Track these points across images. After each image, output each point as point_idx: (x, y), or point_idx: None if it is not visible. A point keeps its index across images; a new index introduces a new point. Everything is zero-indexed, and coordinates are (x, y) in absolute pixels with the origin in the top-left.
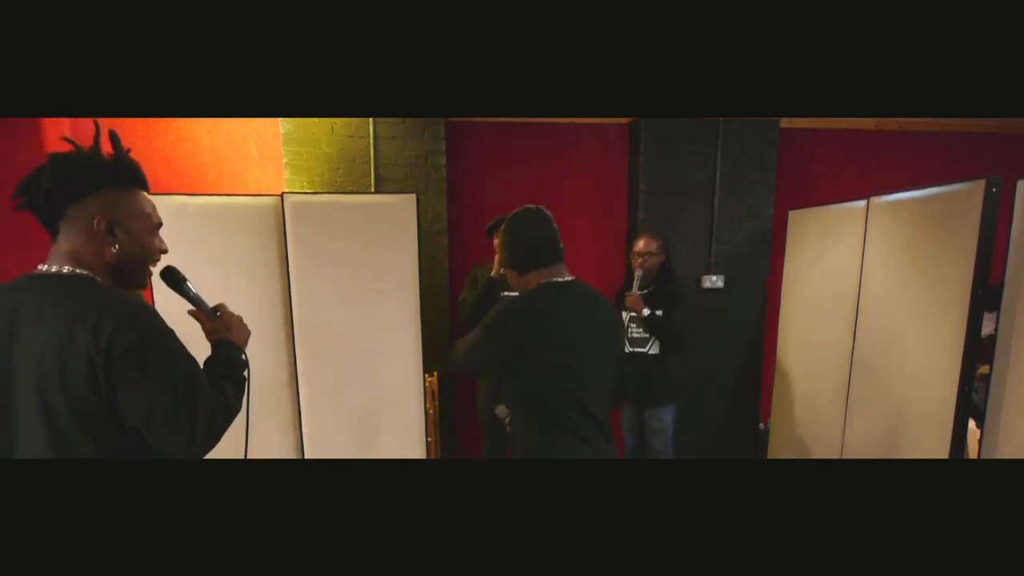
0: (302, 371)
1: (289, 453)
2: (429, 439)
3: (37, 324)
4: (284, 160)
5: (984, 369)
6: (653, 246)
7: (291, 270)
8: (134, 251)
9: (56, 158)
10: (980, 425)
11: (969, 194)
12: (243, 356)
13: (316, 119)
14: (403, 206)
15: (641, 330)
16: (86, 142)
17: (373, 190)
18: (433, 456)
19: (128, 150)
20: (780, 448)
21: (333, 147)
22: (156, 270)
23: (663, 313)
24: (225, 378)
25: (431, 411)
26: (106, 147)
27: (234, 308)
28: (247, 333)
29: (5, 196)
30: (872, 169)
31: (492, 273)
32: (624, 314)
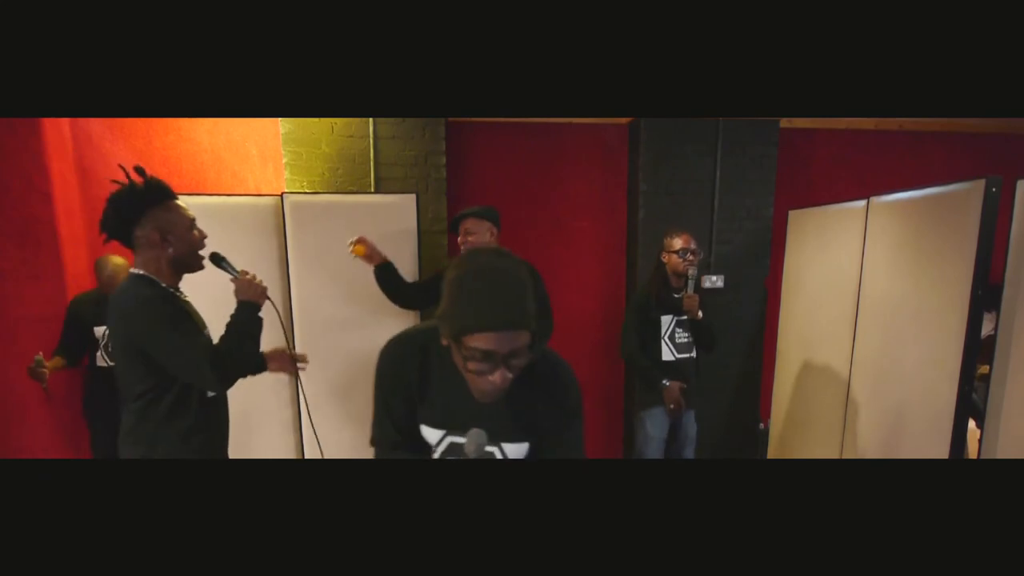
0: (302, 371)
1: (289, 453)
2: None
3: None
4: (284, 160)
5: (984, 369)
6: (695, 243)
7: (291, 270)
8: (183, 249)
9: (110, 199)
10: (980, 425)
11: (969, 194)
12: (251, 308)
13: (316, 119)
14: (403, 206)
15: (688, 336)
16: (86, 142)
17: (373, 190)
18: None
19: (152, 177)
20: (780, 448)
21: (333, 147)
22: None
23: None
24: (230, 326)
25: None
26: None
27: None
28: (255, 292)
29: (5, 196)
30: (872, 169)
31: None
32: (666, 318)
